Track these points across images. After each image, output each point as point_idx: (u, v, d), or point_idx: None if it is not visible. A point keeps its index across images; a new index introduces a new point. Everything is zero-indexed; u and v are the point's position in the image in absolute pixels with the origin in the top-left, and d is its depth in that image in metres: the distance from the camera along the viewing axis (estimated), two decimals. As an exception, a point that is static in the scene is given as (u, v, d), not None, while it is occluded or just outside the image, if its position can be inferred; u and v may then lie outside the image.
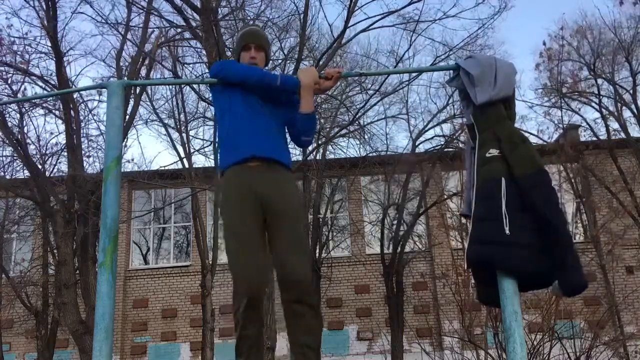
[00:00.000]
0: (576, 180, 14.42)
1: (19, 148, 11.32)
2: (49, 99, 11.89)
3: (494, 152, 2.83)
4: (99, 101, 12.53)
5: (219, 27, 9.55)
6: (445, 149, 14.94)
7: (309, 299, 2.84)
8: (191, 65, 12.65)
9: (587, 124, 14.95)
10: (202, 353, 12.78)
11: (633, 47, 14.38)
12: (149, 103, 13.91)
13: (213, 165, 13.55)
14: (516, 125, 3.08)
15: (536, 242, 2.67)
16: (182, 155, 14.10)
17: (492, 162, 2.81)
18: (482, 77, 2.91)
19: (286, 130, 3.18)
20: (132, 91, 11.40)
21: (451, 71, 3.18)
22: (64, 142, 11.48)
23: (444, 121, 15.17)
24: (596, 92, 14.52)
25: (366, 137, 14.95)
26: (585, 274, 2.68)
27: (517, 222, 2.69)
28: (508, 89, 2.96)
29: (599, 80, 14.51)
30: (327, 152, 14.98)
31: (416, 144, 14.84)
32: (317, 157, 14.32)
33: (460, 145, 14.18)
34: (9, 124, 11.48)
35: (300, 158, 12.43)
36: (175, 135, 14.35)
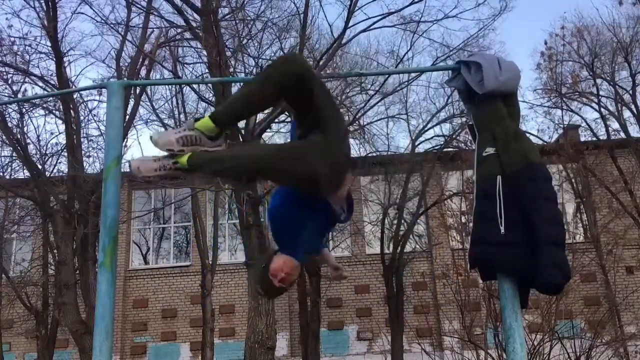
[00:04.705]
0: (576, 180, 14.41)
1: (19, 148, 11.33)
2: (49, 99, 11.91)
3: (490, 150, 2.82)
4: (99, 101, 12.55)
5: (219, 27, 9.55)
6: (445, 149, 14.94)
7: None
8: (191, 65, 12.66)
9: (587, 124, 14.96)
10: (202, 353, 12.80)
11: (632, 48, 14.38)
12: (148, 103, 13.91)
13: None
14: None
15: (528, 241, 2.66)
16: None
17: (488, 160, 2.81)
18: (487, 65, 2.89)
19: None
20: (132, 91, 11.41)
21: (450, 71, 3.18)
22: (64, 142, 11.49)
23: (444, 121, 15.18)
24: (596, 93, 14.52)
25: (367, 137, 14.95)
26: (561, 276, 2.63)
27: (512, 221, 2.68)
28: (513, 83, 2.95)
29: (599, 81, 14.52)
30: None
31: (416, 144, 14.84)
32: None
33: (461, 145, 14.18)
34: (9, 124, 11.49)
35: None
36: (175, 135, 14.31)
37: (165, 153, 2.69)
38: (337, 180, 2.73)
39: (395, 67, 13.48)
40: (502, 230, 2.67)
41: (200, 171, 2.70)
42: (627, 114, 14.64)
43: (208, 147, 2.68)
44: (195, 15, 10.00)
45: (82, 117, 11.79)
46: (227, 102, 2.90)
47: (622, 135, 14.45)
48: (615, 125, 14.53)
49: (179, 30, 11.20)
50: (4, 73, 11.52)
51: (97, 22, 11.64)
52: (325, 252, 3.19)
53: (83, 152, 11.67)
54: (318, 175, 2.62)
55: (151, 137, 2.71)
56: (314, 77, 2.72)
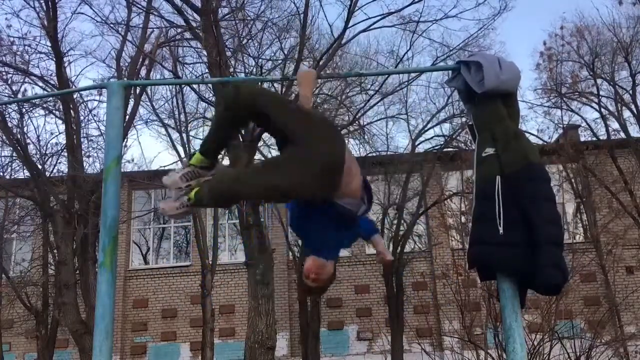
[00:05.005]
0: (576, 180, 14.41)
1: (19, 148, 11.32)
2: (49, 99, 11.90)
3: (489, 150, 2.82)
4: (99, 101, 12.54)
5: (219, 27, 9.55)
6: (445, 149, 14.94)
7: None
8: (191, 65, 12.65)
9: (587, 124, 14.95)
10: (202, 353, 12.78)
11: (632, 47, 14.37)
12: (148, 103, 13.91)
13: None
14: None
15: (528, 241, 2.65)
16: (182, 155, 14.10)
17: (488, 161, 2.81)
18: (487, 65, 2.89)
19: None
20: (132, 91, 11.40)
21: (450, 71, 3.18)
22: (64, 142, 11.48)
23: (444, 121, 15.17)
24: (596, 92, 14.51)
25: (367, 137, 14.94)
26: (560, 276, 2.63)
27: (511, 221, 2.68)
28: (513, 83, 2.94)
29: (599, 80, 14.51)
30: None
31: (416, 144, 14.84)
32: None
33: (461, 145, 14.18)
34: (9, 124, 11.49)
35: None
36: (175, 135, 14.35)
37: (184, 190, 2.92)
38: (329, 181, 2.71)
39: (395, 67, 13.48)
40: (501, 231, 2.67)
41: (204, 203, 2.88)
42: (627, 114, 14.64)
43: (209, 176, 2.90)
44: (195, 15, 10.00)
45: (82, 117, 11.78)
46: (205, 138, 3.10)
47: (622, 135, 14.44)
48: (615, 125, 14.54)
49: (179, 30, 11.20)
50: (4, 73, 11.52)
51: (97, 22, 11.63)
52: (374, 237, 3.27)
53: (83, 152, 11.66)
54: (298, 188, 2.69)
55: (164, 182, 2.95)
56: (259, 99, 2.77)
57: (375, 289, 16.33)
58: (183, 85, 13.15)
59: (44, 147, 12.66)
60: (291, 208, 2.99)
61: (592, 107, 14.90)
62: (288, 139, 2.73)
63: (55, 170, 12.62)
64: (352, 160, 2.82)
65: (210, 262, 13.43)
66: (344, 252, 16.34)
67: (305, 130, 2.72)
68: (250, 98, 2.76)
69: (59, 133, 13.77)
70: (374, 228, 3.29)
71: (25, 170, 12.16)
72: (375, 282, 16.15)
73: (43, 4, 10.69)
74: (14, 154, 12.17)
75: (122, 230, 15.52)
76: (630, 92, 14.43)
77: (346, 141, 3.05)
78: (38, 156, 12.32)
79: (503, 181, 2.73)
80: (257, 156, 9.63)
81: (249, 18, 10.97)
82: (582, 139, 14.91)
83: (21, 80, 11.82)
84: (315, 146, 2.68)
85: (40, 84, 11.54)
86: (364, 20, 11.79)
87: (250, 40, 11.47)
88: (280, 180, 2.66)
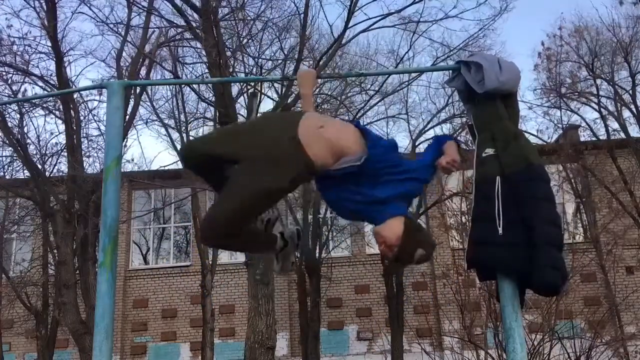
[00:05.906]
0: (576, 180, 14.42)
1: (19, 148, 11.33)
2: (49, 99, 11.90)
3: (489, 151, 2.82)
4: (99, 101, 12.54)
5: (219, 27, 9.55)
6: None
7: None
8: (191, 65, 12.66)
9: (587, 124, 14.97)
10: (202, 353, 12.80)
11: (632, 47, 14.38)
12: (149, 103, 13.92)
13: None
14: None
15: (527, 241, 2.65)
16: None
17: (488, 161, 2.81)
18: (487, 66, 2.89)
19: None
20: (132, 91, 11.40)
21: (451, 71, 3.18)
22: (64, 142, 11.48)
23: (444, 121, 15.18)
24: (595, 92, 14.52)
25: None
26: (559, 277, 2.62)
27: (511, 222, 2.68)
28: (513, 84, 2.94)
29: (598, 81, 14.52)
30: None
31: (416, 144, 14.85)
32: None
33: (461, 145, 14.18)
34: (9, 124, 11.49)
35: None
36: (175, 135, 14.36)
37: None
38: (292, 163, 2.56)
39: (396, 67, 13.49)
40: (500, 231, 2.67)
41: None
42: (626, 113, 14.66)
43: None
44: (195, 16, 10.00)
45: (82, 117, 11.79)
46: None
47: (622, 135, 14.46)
48: (615, 125, 14.55)
49: (179, 30, 11.20)
50: (4, 73, 11.51)
51: (98, 22, 11.63)
52: (447, 145, 2.90)
53: (83, 152, 11.66)
54: (273, 186, 2.57)
55: None
56: (204, 151, 2.72)
57: (375, 289, 16.33)
58: (183, 85, 13.15)
59: (44, 147, 12.69)
60: (325, 200, 2.88)
61: (591, 107, 14.94)
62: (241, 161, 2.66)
63: (55, 170, 12.65)
64: (317, 129, 2.60)
65: (210, 262, 13.44)
66: (344, 252, 16.20)
67: (250, 136, 2.65)
68: (197, 153, 2.74)
69: (59, 133, 13.81)
70: (436, 150, 2.90)
71: (25, 170, 12.17)
72: (375, 282, 16.15)
73: (43, 4, 10.68)
74: (14, 154, 12.18)
75: (122, 230, 15.52)
76: (630, 92, 14.45)
77: (306, 114, 2.76)
78: (38, 156, 12.34)
79: (503, 181, 2.73)
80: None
81: (249, 18, 10.98)
82: (582, 139, 14.94)
83: (21, 80, 11.82)
84: (261, 145, 2.59)
85: (40, 84, 11.55)
86: (364, 21, 11.81)
87: (250, 40, 11.48)
88: (248, 193, 2.53)
